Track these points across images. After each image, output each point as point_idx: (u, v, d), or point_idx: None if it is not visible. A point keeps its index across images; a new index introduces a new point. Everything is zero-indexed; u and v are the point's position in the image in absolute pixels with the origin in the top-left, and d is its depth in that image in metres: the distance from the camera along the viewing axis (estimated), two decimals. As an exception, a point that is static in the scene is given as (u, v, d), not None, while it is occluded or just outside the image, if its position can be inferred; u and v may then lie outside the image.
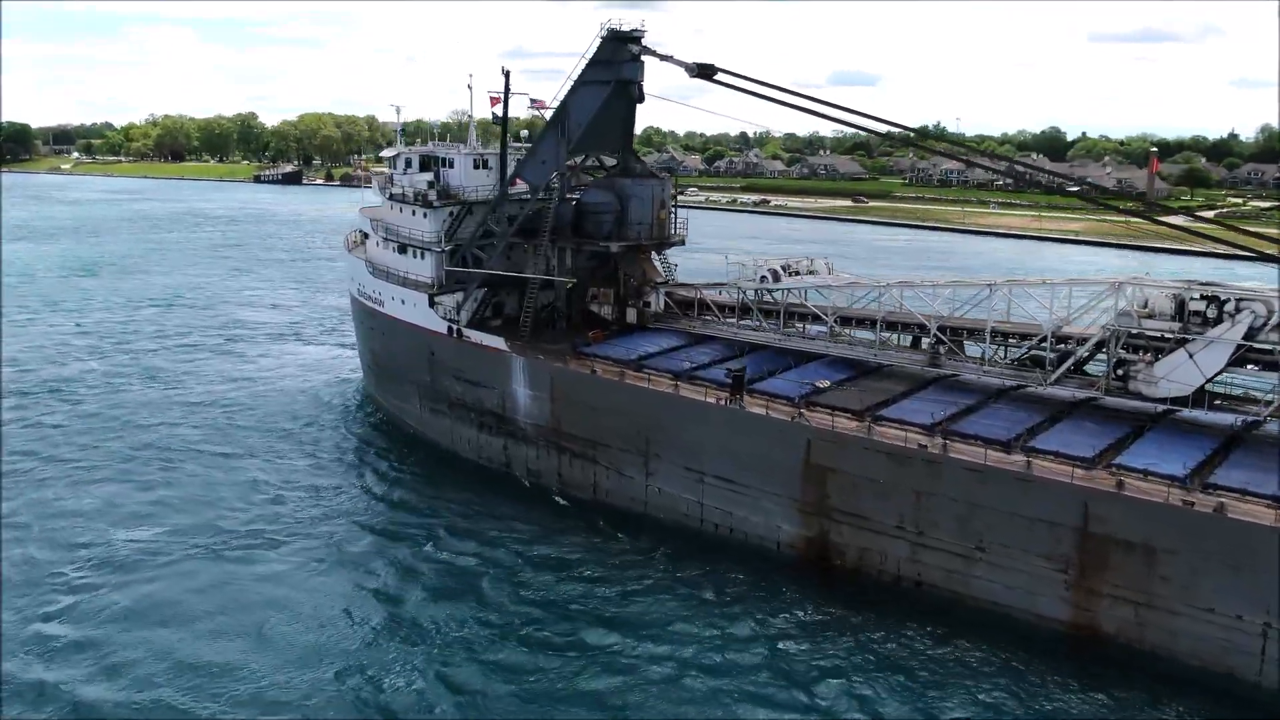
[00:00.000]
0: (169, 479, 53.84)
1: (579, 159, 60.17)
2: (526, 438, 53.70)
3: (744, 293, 54.11)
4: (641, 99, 58.01)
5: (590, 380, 50.23)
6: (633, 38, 56.62)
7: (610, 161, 61.59)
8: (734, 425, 44.84)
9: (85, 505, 50.13)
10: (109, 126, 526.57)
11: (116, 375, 76.02)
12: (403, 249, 62.48)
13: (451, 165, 63.42)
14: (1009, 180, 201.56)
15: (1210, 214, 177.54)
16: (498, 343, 54.45)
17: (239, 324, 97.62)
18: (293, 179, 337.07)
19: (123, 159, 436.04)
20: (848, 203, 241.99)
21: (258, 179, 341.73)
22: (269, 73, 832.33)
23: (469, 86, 64.41)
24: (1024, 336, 46.10)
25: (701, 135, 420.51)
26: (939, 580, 39.79)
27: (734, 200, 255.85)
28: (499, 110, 62.64)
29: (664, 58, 56.15)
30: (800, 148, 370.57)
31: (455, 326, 56.85)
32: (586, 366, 51.38)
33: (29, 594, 40.82)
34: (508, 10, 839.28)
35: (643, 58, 56.72)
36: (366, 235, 68.48)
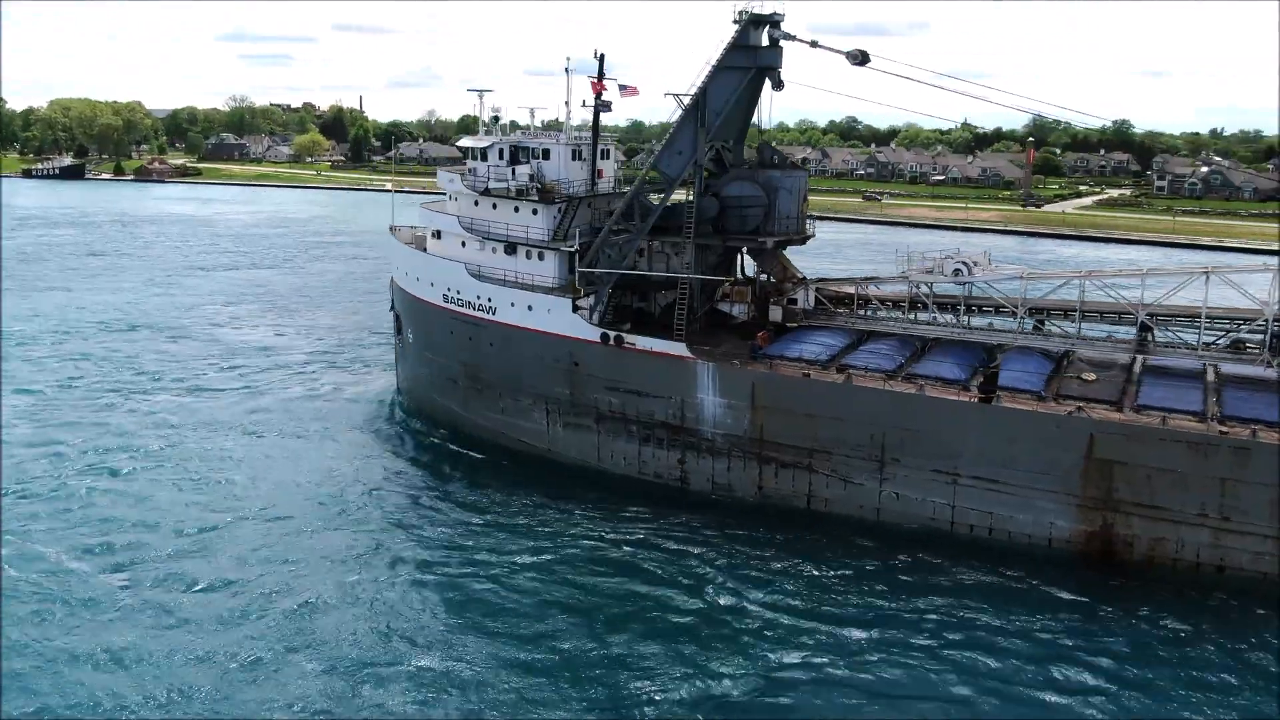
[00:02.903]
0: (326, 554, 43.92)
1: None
2: (714, 449, 49.84)
3: (919, 286, 52.83)
4: (781, 86, 55.25)
5: (806, 385, 47.21)
6: (772, 21, 53.85)
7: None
8: (999, 424, 43.57)
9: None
10: None
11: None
12: (511, 249, 56.37)
13: (547, 156, 58.16)
14: (870, 169, 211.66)
15: (1089, 200, 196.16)
16: (676, 349, 50.06)
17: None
18: (74, 173, 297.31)
19: None
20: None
21: (29, 174, 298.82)
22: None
23: (566, 70, 59.02)
24: (1235, 320, 47.84)
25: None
26: (1245, 563, 40.47)
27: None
28: (603, 96, 57.88)
29: (813, 44, 53.81)
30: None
31: (612, 333, 51.81)
32: (794, 370, 48.31)
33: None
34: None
35: (782, 43, 54.16)
36: (438, 234, 61.11)
